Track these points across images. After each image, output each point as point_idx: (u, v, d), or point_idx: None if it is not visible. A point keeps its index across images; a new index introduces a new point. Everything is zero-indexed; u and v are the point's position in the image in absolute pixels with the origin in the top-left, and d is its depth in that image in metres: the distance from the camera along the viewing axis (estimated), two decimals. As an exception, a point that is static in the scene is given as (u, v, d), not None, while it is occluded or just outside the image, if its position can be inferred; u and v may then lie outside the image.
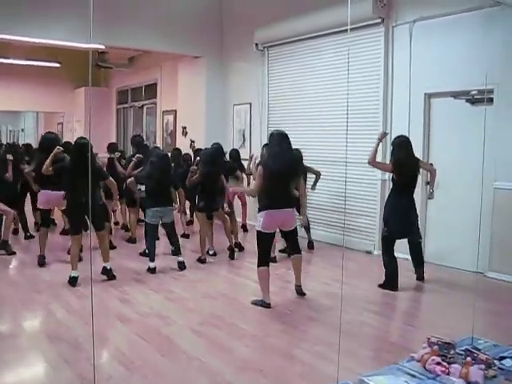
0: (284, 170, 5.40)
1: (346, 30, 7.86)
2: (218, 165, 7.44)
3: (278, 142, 5.52)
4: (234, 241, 7.80)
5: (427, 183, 6.98)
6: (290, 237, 5.82)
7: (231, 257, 7.50)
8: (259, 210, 5.52)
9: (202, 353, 4.23)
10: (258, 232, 5.51)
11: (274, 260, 6.98)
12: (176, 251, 7.02)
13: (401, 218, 6.11)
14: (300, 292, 5.82)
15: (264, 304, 5.41)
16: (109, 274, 6.33)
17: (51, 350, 4.31)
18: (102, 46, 11.16)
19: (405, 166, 6.07)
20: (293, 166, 5.56)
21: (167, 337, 4.59)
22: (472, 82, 6.47)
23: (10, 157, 8.14)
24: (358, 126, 8.00)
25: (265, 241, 5.52)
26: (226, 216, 7.71)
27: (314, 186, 7.91)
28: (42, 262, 6.94)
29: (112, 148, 9.40)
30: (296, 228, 5.76)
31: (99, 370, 3.90)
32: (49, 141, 7.28)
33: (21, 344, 4.45)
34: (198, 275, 6.72)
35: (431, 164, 6.78)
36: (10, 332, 4.77)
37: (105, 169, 7.71)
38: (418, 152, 7.05)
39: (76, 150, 6.29)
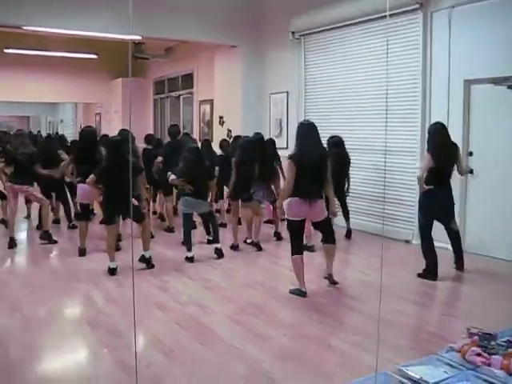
0: (312, 161, 5.36)
1: (384, 17, 7.78)
2: (256, 155, 7.44)
3: (306, 133, 5.48)
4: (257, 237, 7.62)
5: (470, 171, 6.89)
6: (322, 227, 5.76)
7: (258, 248, 7.46)
8: (287, 197, 5.52)
9: (239, 341, 4.26)
10: (287, 220, 5.53)
11: (312, 249, 6.97)
12: (214, 239, 7.07)
13: (435, 202, 6.06)
14: (331, 281, 5.80)
15: (300, 293, 5.41)
16: (148, 262, 6.41)
17: (92, 337, 4.41)
18: (139, 37, 11.26)
19: (443, 151, 5.97)
20: (321, 158, 5.46)
21: (205, 325, 4.64)
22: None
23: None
24: (396, 113, 7.92)
25: (294, 228, 5.52)
26: (259, 209, 7.67)
27: (348, 188, 7.92)
28: (82, 254, 7.07)
29: (149, 139, 9.51)
30: (328, 218, 5.71)
31: (139, 357, 3.95)
32: (88, 134, 7.43)
33: (63, 330, 4.57)
34: (235, 264, 6.76)
35: (470, 153, 6.68)
36: (52, 318, 4.88)
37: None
38: (457, 140, 6.97)
39: (112, 146, 6.40)
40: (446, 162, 6.04)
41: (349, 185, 7.92)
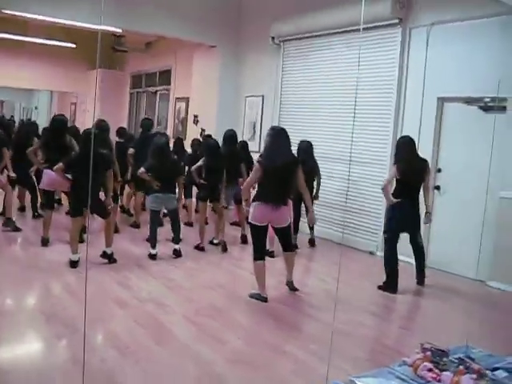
0: (278, 167, 5.34)
1: (364, 29, 7.84)
2: (223, 159, 7.47)
3: (275, 138, 5.47)
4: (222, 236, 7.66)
5: (437, 188, 6.99)
6: (282, 234, 5.71)
7: (223, 250, 7.45)
8: (252, 201, 5.52)
9: (195, 342, 4.25)
10: (250, 224, 5.51)
11: (272, 255, 6.97)
12: (176, 239, 7.02)
13: (400, 214, 6.11)
14: (292, 287, 5.82)
15: (260, 297, 5.41)
16: (110, 258, 6.36)
17: (47, 329, 4.36)
18: (119, 30, 11.18)
19: (409, 165, 6.03)
20: (288, 165, 5.42)
21: (163, 324, 4.61)
22: (486, 88, 6.42)
23: None
24: (368, 124, 7.97)
25: (257, 233, 5.49)
26: (222, 209, 7.63)
27: (316, 195, 7.89)
28: (45, 243, 6.97)
29: (121, 132, 9.44)
30: (289, 225, 5.72)
31: (93, 352, 3.92)
32: (58, 123, 7.32)
33: (18, 321, 4.49)
34: (198, 264, 6.73)
35: (439, 170, 6.76)
36: (8, 308, 4.80)
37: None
38: (427, 156, 7.05)
39: (87, 136, 6.32)
40: (411, 176, 6.10)
41: (317, 191, 7.90)
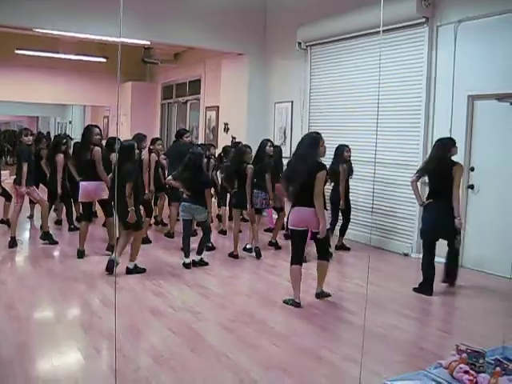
0: (294, 173, 5.45)
1: (390, 30, 7.81)
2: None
3: (299, 144, 5.61)
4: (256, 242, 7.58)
5: (471, 187, 6.91)
6: (316, 239, 5.61)
7: (257, 256, 7.44)
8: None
9: (229, 349, 4.27)
10: (289, 229, 5.63)
11: (304, 260, 6.94)
12: (198, 250, 6.95)
13: (430, 217, 6.06)
14: (322, 296, 5.76)
15: (294, 303, 5.41)
16: (133, 271, 6.40)
17: (84, 339, 4.43)
18: (147, 42, 11.35)
19: (432, 164, 6.04)
20: (304, 171, 5.37)
21: (197, 332, 4.65)
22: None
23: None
24: (398, 126, 7.93)
25: (294, 238, 5.55)
26: (253, 215, 7.59)
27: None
28: (80, 256, 7.08)
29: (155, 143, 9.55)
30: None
31: (128, 360, 3.99)
32: (88, 132, 7.39)
33: (56, 332, 4.58)
34: (232, 272, 6.76)
35: (472, 168, 6.67)
36: (46, 319, 4.90)
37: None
38: (459, 155, 6.97)
39: (122, 150, 6.51)
40: (434, 178, 6.07)
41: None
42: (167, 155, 8.68)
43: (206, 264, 6.86)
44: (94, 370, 3.89)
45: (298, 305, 5.39)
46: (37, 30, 9.60)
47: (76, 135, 18.62)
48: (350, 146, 8.03)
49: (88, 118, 21.72)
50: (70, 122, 24.44)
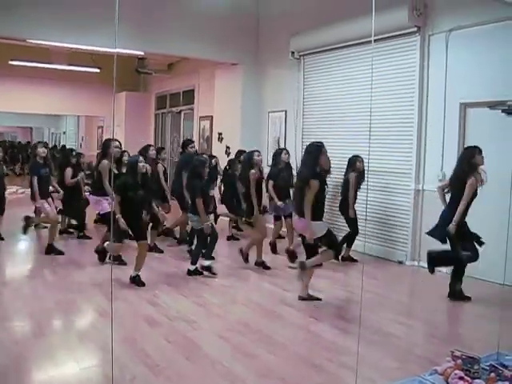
0: (297, 181, 6.01)
1: (382, 39, 7.87)
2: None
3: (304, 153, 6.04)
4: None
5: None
6: (308, 248, 5.93)
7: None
8: None
9: (225, 358, 4.28)
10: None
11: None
12: (192, 260, 6.99)
13: (439, 221, 6.19)
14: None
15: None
16: (135, 281, 6.39)
17: (80, 350, 4.43)
18: (141, 52, 11.40)
19: (454, 171, 6.22)
20: (302, 179, 5.79)
21: (192, 341, 4.66)
22: (509, 92, 6.39)
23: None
24: (392, 135, 7.97)
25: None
26: (251, 227, 7.56)
27: None
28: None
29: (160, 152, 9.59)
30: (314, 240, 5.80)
31: (124, 370, 3.99)
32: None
33: (51, 342, 4.57)
34: (228, 281, 6.76)
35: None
36: (41, 330, 4.90)
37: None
38: (451, 163, 7.02)
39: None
40: (451, 182, 6.23)
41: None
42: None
43: (201, 274, 6.86)
44: (91, 380, 3.88)
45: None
46: (30, 40, 9.63)
47: (70, 146, 18.65)
48: (343, 155, 8.10)
49: (82, 128, 21.75)
50: (64, 133, 24.47)
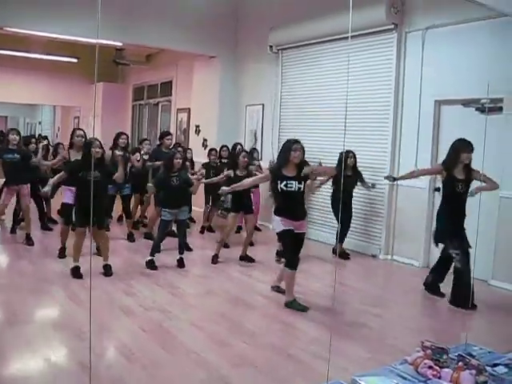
0: None
1: (360, 35, 7.95)
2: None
3: None
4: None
5: (436, 189, 7.06)
6: None
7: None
8: None
9: (200, 347, 4.33)
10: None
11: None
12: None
13: None
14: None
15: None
16: (107, 271, 6.38)
17: (55, 338, 4.44)
18: (119, 43, 11.33)
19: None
20: None
21: (168, 330, 4.70)
22: (482, 90, 6.49)
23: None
24: (366, 130, 8.07)
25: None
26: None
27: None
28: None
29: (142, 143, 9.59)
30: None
31: (100, 359, 4.02)
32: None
33: (27, 332, 4.57)
34: (203, 272, 6.80)
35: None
36: (16, 320, 4.89)
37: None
38: (426, 159, 7.15)
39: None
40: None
41: None
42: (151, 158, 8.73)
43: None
44: (67, 368, 3.89)
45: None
46: (6, 28, 9.51)
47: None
48: (320, 149, 8.16)
49: (58, 118, 21.54)
50: (40, 123, 24.19)
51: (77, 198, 6.36)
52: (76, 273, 6.16)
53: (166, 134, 9.15)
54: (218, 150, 9.50)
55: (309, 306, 5.55)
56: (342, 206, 7.66)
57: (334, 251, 7.89)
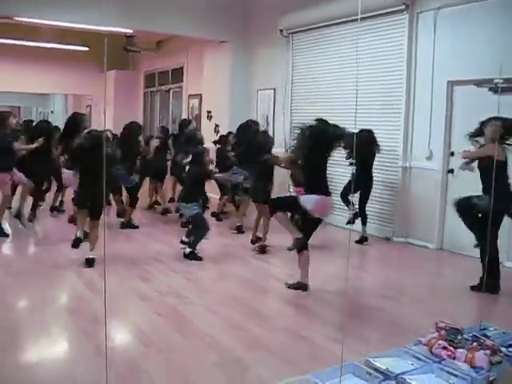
0: None
1: (371, 17, 7.90)
2: None
3: None
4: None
5: (451, 171, 7.03)
6: None
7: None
8: None
9: (214, 330, 4.37)
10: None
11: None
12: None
13: None
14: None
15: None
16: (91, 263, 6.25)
17: (72, 324, 4.50)
18: (129, 30, 11.35)
19: None
20: None
21: (183, 314, 4.75)
22: (495, 70, 6.41)
23: None
24: (380, 112, 8.02)
25: None
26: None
27: None
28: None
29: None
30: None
31: (116, 343, 4.08)
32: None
33: (43, 318, 4.63)
34: (218, 258, 6.83)
35: (452, 153, 6.69)
36: (33, 306, 4.96)
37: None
38: (439, 140, 7.11)
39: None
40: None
41: None
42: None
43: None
44: (83, 352, 3.94)
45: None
46: (17, 18, 9.54)
47: (58, 125, 18.51)
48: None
49: (70, 107, 21.60)
50: (52, 112, 24.30)
51: (80, 183, 6.34)
52: (76, 243, 6.24)
53: (186, 121, 9.19)
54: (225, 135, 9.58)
55: (323, 289, 5.58)
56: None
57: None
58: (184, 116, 13.64)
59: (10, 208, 8.45)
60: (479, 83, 6.83)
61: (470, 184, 6.91)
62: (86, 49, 14.17)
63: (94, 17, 9.08)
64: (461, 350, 3.76)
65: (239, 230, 8.04)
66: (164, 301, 5.12)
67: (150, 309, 4.88)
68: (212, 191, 9.28)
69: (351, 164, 7.33)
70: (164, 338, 4.21)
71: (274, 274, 5.89)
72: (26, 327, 4.41)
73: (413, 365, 3.67)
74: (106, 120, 14.96)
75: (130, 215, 8.30)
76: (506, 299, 5.48)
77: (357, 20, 8.11)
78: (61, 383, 3.48)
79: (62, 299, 5.32)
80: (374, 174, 7.79)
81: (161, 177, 9.50)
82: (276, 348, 4.08)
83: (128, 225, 8.20)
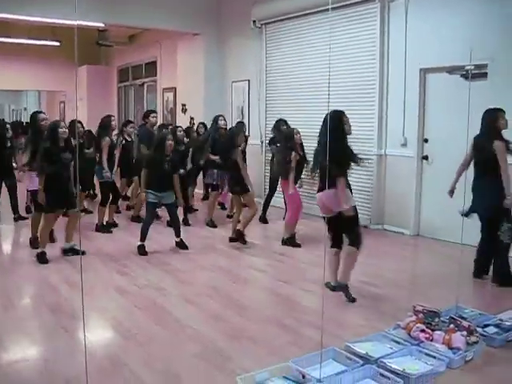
0: None
1: (342, 6, 7.93)
2: None
3: None
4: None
5: (425, 157, 7.09)
6: None
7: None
8: None
9: (195, 321, 4.38)
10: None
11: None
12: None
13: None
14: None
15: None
16: (71, 252, 6.29)
17: (50, 320, 4.46)
18: (102, 24, 11.23)
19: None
20: None
21: (162, 306, 4.74)
22: (466, 57, 6.48)
23: None
24: (354, 101, 8.05)
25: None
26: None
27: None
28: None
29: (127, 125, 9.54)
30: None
31: (96, 337, 4.06)
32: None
33: (22, 314, 4.61)
34: (196, 249, 6.82)
35: (425, 140, 6.75)
36: (10, 303, 4.91)
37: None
38: (413, 127, 7.18)
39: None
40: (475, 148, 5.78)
41: None
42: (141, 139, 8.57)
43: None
44: (63, 348, 3.92)
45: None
46: (-14, 14, 9.40)
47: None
48: (306, 123, 8.15)
49: (44, 103, 21.38)
50: (25, 109, 24.03)
51: (47, 183, 6.02)
52: (42, 258, 6.08)
53: (150, 112, 9.10)
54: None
55: (303, 277, 5.62)
56: None
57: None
58: (159, 110, 13.55)
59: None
60: (451, 70, 6.90)
61: (445, 171, 7.02)
62: (57, 44, 13.98)
63: (64, 11, 8.89)
64: (438, 332, 3.83)
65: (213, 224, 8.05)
66: (142, 294, 5.12)
67: (129, 302, 4.87)
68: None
69: None
70: (144, 331, 4.20)
71: (253, 264, 5.89)
72: (3, 325, 4.36)
73: (392, 348, 3.73)
74: (81, 116, 14.78)
75: (102, 216, 7.73)
76: (481, 282, 5.56)
77: (328, 10, 8.21)
78: (41, 380, 3.46)
79: (41, 295, 5.27)
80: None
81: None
82: (257, 337, 4.10)
83: (103, 227, 7.69)
